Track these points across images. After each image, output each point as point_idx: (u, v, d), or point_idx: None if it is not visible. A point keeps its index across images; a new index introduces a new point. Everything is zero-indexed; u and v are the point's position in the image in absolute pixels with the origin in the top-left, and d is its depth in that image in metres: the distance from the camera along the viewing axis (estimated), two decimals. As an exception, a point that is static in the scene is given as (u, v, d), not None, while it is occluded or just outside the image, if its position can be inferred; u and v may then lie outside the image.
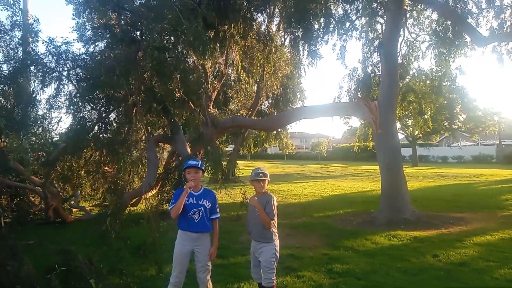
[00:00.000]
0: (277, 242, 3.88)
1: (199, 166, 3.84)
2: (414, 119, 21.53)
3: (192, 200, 3.76)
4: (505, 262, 5.56)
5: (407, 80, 16.14)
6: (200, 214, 3.74)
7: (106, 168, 9.57)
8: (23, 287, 4.23)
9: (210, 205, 3.82)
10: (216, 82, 15.37)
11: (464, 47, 12.28)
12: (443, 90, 17.09)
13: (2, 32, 6.36)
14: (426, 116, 20.13)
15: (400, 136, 28.45)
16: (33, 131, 6.08)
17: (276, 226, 3.93)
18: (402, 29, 11.79)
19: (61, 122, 7.85)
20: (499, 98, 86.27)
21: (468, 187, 16.67)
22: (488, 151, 39.01)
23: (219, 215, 3.92)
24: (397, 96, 11.03)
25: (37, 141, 6.30)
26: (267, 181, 3.87)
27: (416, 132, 32.65)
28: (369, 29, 13.10)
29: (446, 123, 33.56)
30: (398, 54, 11.44)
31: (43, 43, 6.67)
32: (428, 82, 15.88)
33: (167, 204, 9.70)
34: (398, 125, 27.21)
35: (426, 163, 36.92)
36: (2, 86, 6.34)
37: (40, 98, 7.19)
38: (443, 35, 11.87)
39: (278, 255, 3.90)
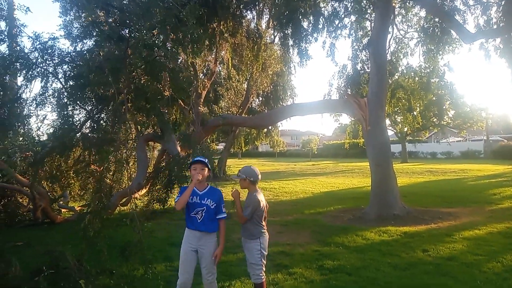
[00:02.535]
0: (263, 240, 3.84)
1: (206, 162, 3.71)
2: (403, 116, 21.71)
3: (195, 199, 3.61)
4: (493, 256, 5.63)
5: (396, 77, 16.25)
6: (203, 214, 3.59)
7: (95, 167, 9.47)
8: (10, 289, 4.17)
9: (215, 204, 3.64)
10: (206, 80, 15.33)
11: (452, 44, 12.40)
12: (431, 86, 17.17)
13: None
14: (415, 113, 20.35)
15: (390, 132, 28.67)
16: (19, 130, 5.97)
17: (264, 224, 3.89)
18: (390, 26, 11.87)
19: (47, 120, 7.69)
20: (486, 94, 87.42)
21: (457, 182, 16.88)
22: (476, 146, 39.56)
23: (225, 215, 3.74)
24: (386, 93, 11.11)
25: (24, 140, 6.21)
26: (244, 180, 3.83)
27: (406, 129, 32.93)
28: (358, 26, 13.15)
29: (435, 119, 33.89)
30: (387, 51, 11.50)
31: (28, 38, 6.56)
32: (417, 78, 15.99)
33: (158, 204, 9.67)
34: (387, 121, 27.42)
35: (416, 159, 37.26)
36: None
37: (27, 97, 7.08)
38: (431, 32, 11.99)
39: (265, 252, 3.85)
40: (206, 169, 3.72)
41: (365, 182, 16.89)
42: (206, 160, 3.78)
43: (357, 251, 6.10)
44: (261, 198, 3.88)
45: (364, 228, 7.72)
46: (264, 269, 3.84)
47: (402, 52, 14.72)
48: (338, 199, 12.28)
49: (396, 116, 30.52)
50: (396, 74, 16.20)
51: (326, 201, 11.72)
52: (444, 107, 32.85)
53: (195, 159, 3.80)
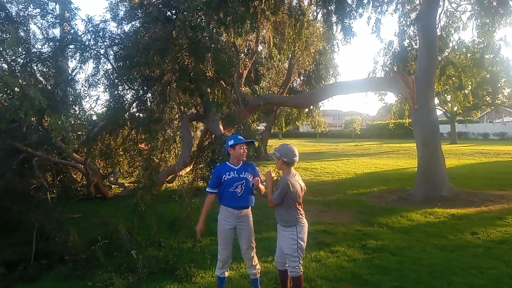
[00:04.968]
0: (300, 229, 3.47)
1: (248, 142, 3.89)
2: (453, 94, 20.64)
3: (233, 174, 3.70)
4: (550, 241, 5.35)
5: (446, 53, 15.39)
6: (243, 188, 3.67)
7: (142, 146, 9.87)
8: (70, 257, 4.51)
9: (252, 176, 3.74)
10: (247, 60, 15.30)
11: (510, 16, 11.54)
12: (485, 63, 16.11)
13: (43, 10, 6.48)
14: (466, 91, 19.24)
15: (438, 112, 27.45)
16: (72, 110, 6.29)
17: (300, 209, 3.53)
18: (441, -1, 11.21)
19: (99, 100, 8.09)
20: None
21: (511, 164, 15.96)
22: (535, 127, 37.10)
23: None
24: (436, 70, 10.57)
25: (77, 120, 6.54)
26: (278, 159, 3.54)
27: (455, 108, 31.37)
28: (406, 0, 12.54)
29: (488, 98, 31.90)
30: (436, 26, 10.90)
31: (82, 21, 6.85)
32: (469, 54, 15.09)
33: (202, 181, 9.94)
34: (436, 100, 26.21)
35: (466, 140, 35.57)
36: (42, 66, 6.55)
37: (78, 78, 7.43)
38: (486, 4, 11.18)
39: (302, 243, 3.47)
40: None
41: (410, 164, 16.40)
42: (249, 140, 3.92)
43: (401, 232, 6.01)
44: (294, 180, 3.47)
45: (409, 209, 7.56)
46: (301, 262, 3.51)
47: (453, 26, 13.92)
48: (382, 180, 12.03)
49: (446, 95, 29.03)
50: (446, 50, 15.34)
51: (369, 182, 11.52)
52: (499, 84, 30.75)
53: (246, 140, 3.87)
